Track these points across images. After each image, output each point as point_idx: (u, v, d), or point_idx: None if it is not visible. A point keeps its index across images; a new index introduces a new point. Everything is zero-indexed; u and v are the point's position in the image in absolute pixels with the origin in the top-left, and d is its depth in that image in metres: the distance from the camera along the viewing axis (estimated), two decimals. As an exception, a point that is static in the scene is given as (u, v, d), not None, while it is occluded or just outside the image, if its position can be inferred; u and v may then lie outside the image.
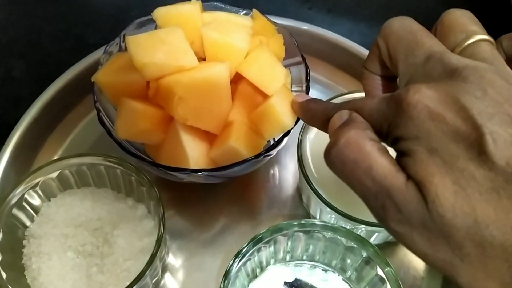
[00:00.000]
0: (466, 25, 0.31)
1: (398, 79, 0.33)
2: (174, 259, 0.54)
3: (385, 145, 0.29)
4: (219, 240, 0.55)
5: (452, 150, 0.25)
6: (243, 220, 0.56)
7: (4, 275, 0.45)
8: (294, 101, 0.43)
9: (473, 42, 0.30)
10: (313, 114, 0.37)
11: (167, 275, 0.53)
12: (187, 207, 0.57)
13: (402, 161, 0.28)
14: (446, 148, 0.26)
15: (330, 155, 0.29)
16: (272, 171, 0.60)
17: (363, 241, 0.46)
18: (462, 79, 0.27)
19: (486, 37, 0.30)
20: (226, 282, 0.44)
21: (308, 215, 0.55)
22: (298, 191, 0.57)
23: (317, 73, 0.64)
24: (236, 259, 0.45)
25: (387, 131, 0.29)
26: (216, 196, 0.57)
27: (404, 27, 0.32)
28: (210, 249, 0.54)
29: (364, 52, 0.62)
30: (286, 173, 0.59)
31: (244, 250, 0.45)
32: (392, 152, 0.29)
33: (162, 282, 0.52)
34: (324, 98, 0.53)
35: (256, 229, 0.55)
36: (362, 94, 0.53)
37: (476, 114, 0.25)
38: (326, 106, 0.35)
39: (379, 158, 0.28)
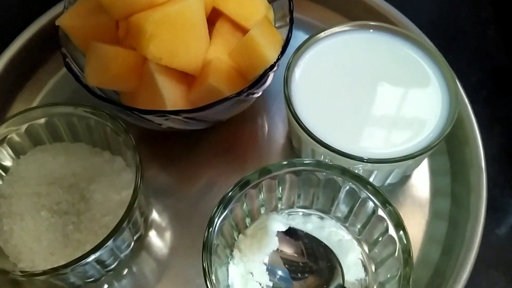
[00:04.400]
0: None
1: None
2: (159, 217, 0.50)
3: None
4: (207, 196, 0.51)
5: None
6: (232, 173, 0.52)
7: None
8: None
9: None
10: None
11: (152, 233, 0.49)
12: (171, 163, 0.53)
13: None
14: None
15: None
16: (260, 122, 0.56)
17: (360, 179, 0.41)
18: None
19: None
20: (210, 229, 0.40)
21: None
22: (289, 140, 0.53)
23: (303, 14, 0.60)
24: (221, 206, 0.41)
25: None
26: (202, 149, 0.53)
27: None
28: (198, 206, 0.51)
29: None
30: (276, 123, 0.55)
31: (229, 195, 0.41)
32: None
33: (147, 240, 0.48)
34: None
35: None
36: (343, 28, 0.49)
37: None
38: None
39: None
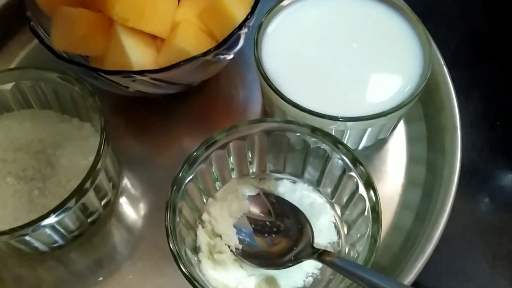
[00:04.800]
0: None
1: None
2: (131, 185, 0.49)
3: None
4: (179, 164, 0.50)
5: None
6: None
7: None
8: None
9: None
10: None
11: (123, 200, 0.48)
12: (144, 131, 0.52)
13: None
14: None
15: None
16: (235, 90, 0.55)
17: (331, 137, 0.40)
18: None
19: None
20: (174, 188, 0.39)
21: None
22: (264, 108, 0.52)
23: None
24: (186, 165, 0.40)
25: None
26: (176, 117, 0.52)
27: None
28: (170, 174, 0.49)
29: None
30: (251, 91, 0.54)
31: (195, 154, 0.40)
32: None
33: (117, 207, 0.48)
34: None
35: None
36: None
37: None
38: None
39: None
